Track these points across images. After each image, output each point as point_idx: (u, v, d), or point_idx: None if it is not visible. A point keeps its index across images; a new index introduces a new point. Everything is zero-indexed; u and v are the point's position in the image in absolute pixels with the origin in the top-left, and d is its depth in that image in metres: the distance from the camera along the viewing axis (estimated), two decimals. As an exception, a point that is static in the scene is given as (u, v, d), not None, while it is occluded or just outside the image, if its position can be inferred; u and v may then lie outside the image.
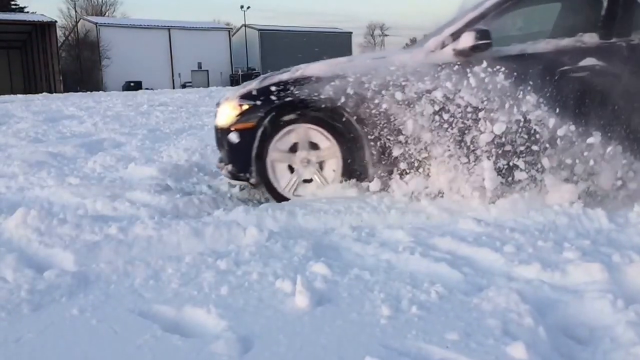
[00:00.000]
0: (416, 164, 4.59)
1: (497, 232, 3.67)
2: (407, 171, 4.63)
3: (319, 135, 4.88)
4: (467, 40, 4.50)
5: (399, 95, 4.52)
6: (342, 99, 4.64)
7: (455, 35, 4.62)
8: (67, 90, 46.95)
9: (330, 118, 4.77)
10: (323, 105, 4.71)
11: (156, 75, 64.85)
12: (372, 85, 4.60)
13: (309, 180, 4.98)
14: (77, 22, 66.77)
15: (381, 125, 4.62)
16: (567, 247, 3.33)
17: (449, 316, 2.51)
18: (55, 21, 55.56)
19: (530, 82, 4.28)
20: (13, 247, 3.60)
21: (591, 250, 3.32)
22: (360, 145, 4.75)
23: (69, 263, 3.37)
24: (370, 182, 4.71)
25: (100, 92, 41.86)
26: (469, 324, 2.43)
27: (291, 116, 4.85)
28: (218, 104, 5.39)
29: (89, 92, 39.26)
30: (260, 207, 4.48)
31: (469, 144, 4.37)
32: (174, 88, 58.43)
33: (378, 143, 4.68)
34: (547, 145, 4.23)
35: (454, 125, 4.41)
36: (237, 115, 4.97)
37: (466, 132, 4.39)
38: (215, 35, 73.50)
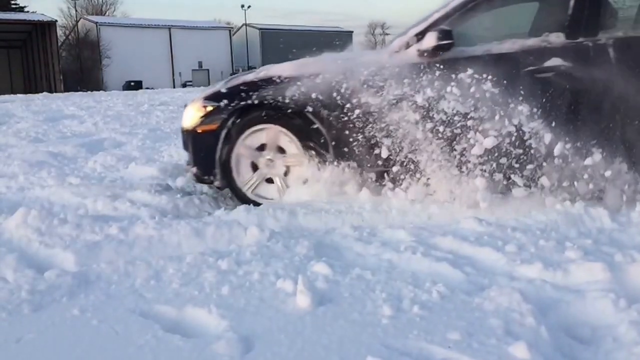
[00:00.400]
0: (382, 169, 4.55)
1: (499, 231, 3.66)
2: (373, 175, 4.60)
3: (283, 137, 4.80)
4: (430, 40, 4.44)
5: (361, 97, 4.48)
6: (305, 101, 4.60)
7: (420, 36, 4.56)
8: (67, 89, 46.94)
9: (293, 120, 4.70)
10: (286, 107, 4.66)
11: (157, 75, 64.84)
12: (335, 87, 4.55)
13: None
14: (77, 22, 66.78)
15: (345, 128, 4.56)
16: (569, 247, 3.32)
17: (451, 316, 2.51)
18: (56, 20, 55.57)
19: (494, 83, 4.23)
20: (13, 247, 3.59)
21: (593, 249, 3.31)
22: (326, 148, 4.69)
23: (70, 263, 3.37)
24: (337, 187, 4.63)
25: (101, 91, 41.90)
26: (471, 323, 2.43)
27: (255, 118, 4.78)
28: (186, 106, 5.33)
29: (89, 92, 39.27)
30: (262, 206, 4.47)
31: (435, 148, 4.33)
32: (174, 87, 58.36)
33: (343, 147, 4.61)
34: (511, 148, 4.20)
35: (416, 128, 4.37)
36: (201, 117, 4.92)
37: (429, 135, 4.34)
38: (216, 35, 73.50)
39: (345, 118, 4.54)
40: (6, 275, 3.10)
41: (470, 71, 4.27)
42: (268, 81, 4.78)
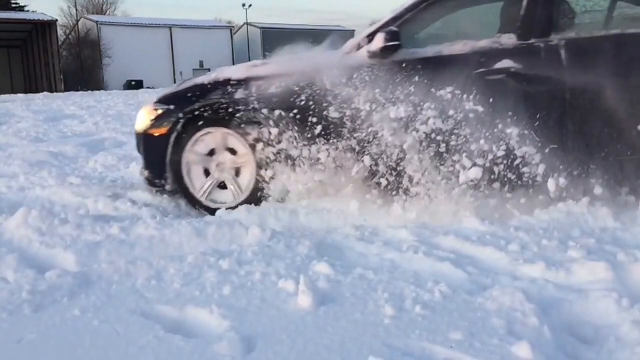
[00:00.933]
0: (331, 173, 4.47)
1: (501, 230, 3.66)
2: (318, 180, 4.51)
3: (234, 140, 4.71)
4: (378, 42, 4.37)
5: (310, 100, 4.42)
6: (255, 103, 4.53)
7: (371, 37, 4.49)
8: (67, 89, 46.91)
9: (243, 123, 4.60)
10: (235, 109, 4.59)
11: (157, 74, 64.75)
12: (284, 89, 4.49)
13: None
14: (77, 21, 66.75)
15: (293, 131, 4.48)
16: (571, 246, 3.31)
17: (453, 316, 2.51)
18: (56, 20, 55.51)
19: (444, 85, 4.17)
20: (14, 247, 3.58)
21: (596, 248, 3.30)
22: (276, 152, 4.57)
23: (71, 263, 3.36)
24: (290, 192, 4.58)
25: (101, 91, 41.89)
26: (473, 323, 2.42)
27: (204, 121, 4.69)
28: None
29: (89, 91, 39.25)
30: (263, 206, 4.46)
31: (383, 153, 4.26)
32: (175, 87, 58.15)
33: (293, 151, 4.51)
34: (460, 151, 4.11)
35: (364, 132, 4.31)
36: (152, 120, 4.85)
37: (377, 140, 4.27)
38: (217, 34, 73.44)
39: (294, 121, 4.46)
40: (7, 275, 3.09)
41: (419, 73, 4.22)
42: (218, 84, 4.72)
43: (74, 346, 2.36)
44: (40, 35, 54.94)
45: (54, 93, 38.07)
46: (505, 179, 4.08)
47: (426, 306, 2.58)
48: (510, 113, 4.08)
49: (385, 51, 4.38)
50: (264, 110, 4.50)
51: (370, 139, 4.28)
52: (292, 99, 4.46)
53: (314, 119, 4.42)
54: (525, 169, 4.04)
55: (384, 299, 2.67)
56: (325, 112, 4.39)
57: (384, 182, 4.26)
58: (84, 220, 4.00)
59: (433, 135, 4.13)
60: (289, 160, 4.52)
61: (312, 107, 4.42)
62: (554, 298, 2.73)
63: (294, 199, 4.53)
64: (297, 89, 4.46)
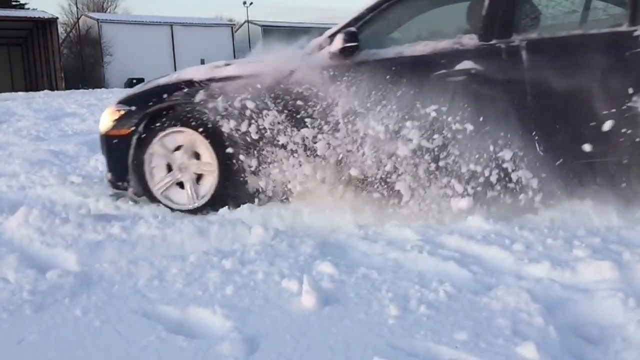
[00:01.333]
0: (293, 177, 4.41)
1: (506, 230, 3.64)
2: (283, 185, 4.46)
3: (195, 142, 4.63)
4: (337, 43, 4.33)
5: (269, 102, 4.37)
6: (213, 104, 4.47)
7: (332, 38, 4.43)
8: (68, 87, 46.89)
9: (203, 125, 4.53)
10: (196, 111, 4.53)
11: (159, 72, 63.74)
12: (245, 90, 4.43)
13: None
14: (78, 19, 66.71)
15: (255, 135, 4.40)
16: (577, 245, 3.29)
17: (458, 316, 2.49)
18: (57, 17, 55.46)
19: (402, 87, 4.12)
20: (15, 247, 3.57)
21: (601, 248, 3.28)
22: (237, 157, 4.50)
23: (72, 263, 3.35)
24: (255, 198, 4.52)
25: (102, 89, 41.85)
26: (479, 323, 2.41)
27: (165, 122, 4.63)
28: None
29: (91, 90, 39.24)
30: (266, 205, 4.44)
31: (341, 156, 4.22)
32: (176, 85, 58.15)
33: (253, 157, 4.46)
34: (419, 153, 4.05)
35: (322, 134, 4.26)
36: (114, 121, 4.82)
37: (336, 142, 4.23)
38: (218, 32, 73.41)
39: (255, 124, 4.39)
40: (7, 275, 3.08)
41: (379, 74, 4.17)
42: (179, 85, 4.66)
43: (75, 347, 2.35)
44: (41, 33, 54.91)
45: (55, 91, 37.99)
46: (467, 181, 4.00)
47: (431, 306, 2.57)
48: (470, 115, 4.01)
49: (344, 52, 4.32)
50: (225, 112, 4.45)
51: (330, 142, 4.23)
52: (251, 101, 4.39)
53: (273, 121, 4.35)
54: (485, 172, 3.96)
55: (388, 299, 2.65)
56: (284, 115, 4.34)
57: (341, 187, 4.25)
58: (85, 220, 3.98)
59: (388, 137, 4.07)
60: (249, 164, 4.47)
61: (271, 109, 4.35)
62: (559, 298, 2.72)
63: (294, 199, 4.48)
64: (256, 90, 4.40)
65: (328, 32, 4.54)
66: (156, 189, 4.71)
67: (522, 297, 2.60)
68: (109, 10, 77.07)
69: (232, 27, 76.38)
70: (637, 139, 3.89)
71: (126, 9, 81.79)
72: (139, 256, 3.41)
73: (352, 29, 4.37)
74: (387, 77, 4.18)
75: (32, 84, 54.06)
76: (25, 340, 2.41)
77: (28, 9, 63.06)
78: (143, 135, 4.67)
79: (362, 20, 4.48)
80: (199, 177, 4.69)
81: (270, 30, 75.28)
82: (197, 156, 4.67)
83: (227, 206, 4.48)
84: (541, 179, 3.95)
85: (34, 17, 54.44)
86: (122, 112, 4.79)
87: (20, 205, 4.26)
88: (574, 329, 2.49)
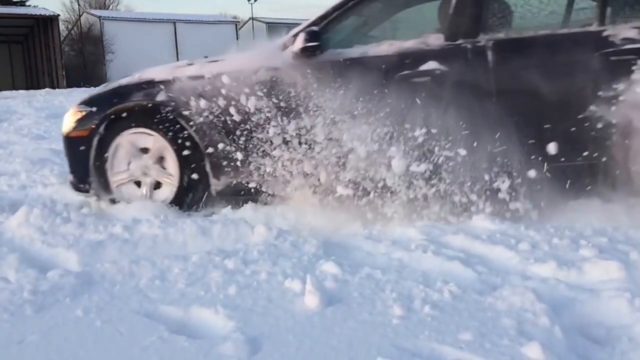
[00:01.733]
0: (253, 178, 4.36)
1: (512, 229, 3.61)
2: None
3: (154, 142, 4.55)
4: (298, 42, 4.25)
5: (229, 103, 4.28)
6: (175, 105, 4.42)
7: (296, 37, 4.33)
8: (70, 85, 46.91)
9: (163, 125, 4.47)
10: (157, 111, 4.46)
11: (161, 70, 64.76)
12: (204, 91, 4.37)
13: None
14: (80, 16, 66.78)
15: (214, 137, 4.36)
16: (583, 245, 3.27)
17: (463, 316, 2.48)
18: (58, 15, 55.47)
19: (366, 88, 4.00)
20: (15, 246, 3.56)
21: (608, 247, 3.26)
22: (200, 159, 4.45)
23: (73, 263, 3.34)
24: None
25: (104, 87, 41.85)
26: (484, 323, 2.40)
27: (126, 123, 4.57)
28: None
29: (92, 88, 39.26)
30: (269, 204, 4.41)
31: (298, 161, 4.16)
32: (179, 83, 58.25)
33: (217, 157, 4.40)
34: (377, 156, 3.95)
35: (282, 135, 4.19)
36: (76, 122, 4.72)
37: (291, 147, 4.17)
38: (222, 29, 73.37)
39: (213, 124, 4.36)
40: (8, 275, 3.08)
41: (342, 74, 4.08)
42: (141, 85, 4.61)
43: (77, 347, 2.34)
44: (42, 30, 54.92)
45: (56, 89, 38.09)
46: (428, 183, 3.92)
47: (435, 306, 2.56)
48: (434, 118, 3.90)
49: (305, 52, 4.24)
50: (185, 113, 4.40)
51: (291, 142, 4.17)
52: (212, 102, 4.34)
53: (234, 122, 4.30)
54: (448, 174, 3.88)
55: (393, 299, 2.64)
56: (244, 115, 4.27)
57: (298, 186, 4.20)
58: (86, 219, 3.98)
59: (347, 137, 4.00)
60: (208, 165, 4.43)
61: (232, 110, 4.28)
62: (565, 298, 2.70)
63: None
64: (217, 91, 4.33)
65: (293, 31, 4.44)
66: (113, 181, 4.66)
67: (528, 297, 2.58)
68: (111, 7, 77.12)
69: (236, 24, 76.32)
70: (607, 142, 3.80)
71: (128, 6, 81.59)
72: (141, 256, 3.41)
73: (314, 28, 4.29)
74: (350, 77, 4.07)
75: (33, 82, 54.02)
76: (26, 341, 2.40)
77: (29, 6, 62.93)
78: (104, 137, 4.60)
79: (328, 19, 4.39)
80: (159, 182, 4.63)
81: (275, 27, 75.29)
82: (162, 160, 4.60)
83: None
84: (506, 180, 3.85)
85: (35, 15, 54.43)
86: (84, 113, 4.70)
87: (21, 205, 4.26)
88: (579, 329, 2.47)
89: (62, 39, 57.55)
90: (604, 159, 3.81)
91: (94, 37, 61.63)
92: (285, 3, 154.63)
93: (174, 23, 69.74)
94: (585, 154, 3.84)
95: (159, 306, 2.72)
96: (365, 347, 2.25)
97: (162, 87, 4.50)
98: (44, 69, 55.28)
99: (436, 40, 4.17)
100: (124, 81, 4.83)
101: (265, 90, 4.24)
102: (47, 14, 53.77)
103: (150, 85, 4.57)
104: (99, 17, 64.29)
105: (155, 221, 3.82)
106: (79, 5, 69.50)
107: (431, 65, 4.07)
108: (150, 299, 2.79)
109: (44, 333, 2.46)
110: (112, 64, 61.28)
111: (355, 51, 4.29)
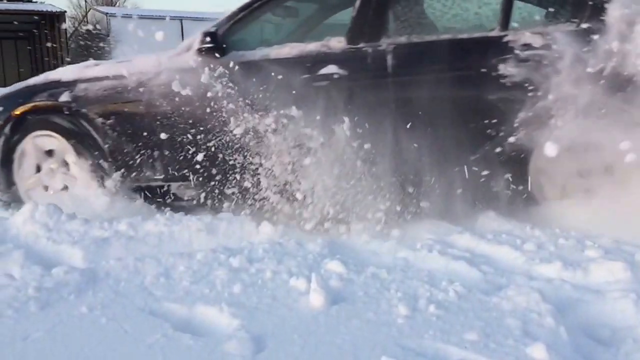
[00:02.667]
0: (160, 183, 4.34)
1: (518, 229, 3.62)
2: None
3: (59, 145, 4.50)
4: (196, 43, 4.22)
5: (132, 105, 4.28)
6: (78, 106, 4.37)
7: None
8: (76, 81, 47.08)
9: (67, 126, 4.44)
10: (60, 113, 4.42)
11: (167, 67, 64.77)
12: (107, 92, 4.33)
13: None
14: (86, 12, 66.81)
15: (120, 138, 4.33)
16: (589, 245, 3.27)
17: (468, 316, 2.47)
18: (65, 11, 55.53)
19: (263, 93, 3.96)
20: (20, 243, 3.55)
21: (614, 248, 3.26)
22: (103, 159, 4.41)
23: (78, 260, 3.34)
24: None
25: (110, 83, 41.93)
26: (489, 323, 2.39)
27: (31, 124, 4.51)
28: None
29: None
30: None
31: (204, 165, 4.15)
32: (186, 80, 58.24)
33: (120, 158, 4.37)
34: (277, 162, 3.92)
35: (182, 138, 4.18)
36: None
37: (193, 151, 4.15)
38: (228, 26, 73.53)
39: (118, 128, 4.32)
40: (13, 272, 3.06)
41: (243, 77, 4.02)
42: (47, 85, 4.57)
43: (81, 344, 2.33)
44: (49, 27, 55.03)
45: (63, 85, 38.16)
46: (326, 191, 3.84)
47: (440, 306, 2.55)
48: (331, 125, 3.81)
49: (201, 53, 4.19)
50: (88, 115, 4.36)
51: (190, 147, 4.16)
52: (114, 103, 4.31)
53: (135, 126, 4.28)
54: (344, 181, 3.80)
55: (398, 299, 2.63)
56: (147, 118, 4.25)
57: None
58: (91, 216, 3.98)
59: (242, 144, 3.97)
60: (110, 165, 4.39)
61: (134, 112, 4.27)
62: (570, 298, 2.70)
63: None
64: (120, 92, 4.30)
65: (201, 31, 4.37)
66: (22, 185, 4.61)
67: (533, 297, 2.58)
68: (118, 4, 77.03)
69: (241, 21, 76.37)
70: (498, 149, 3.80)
71: (135, 4, 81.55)
72: (146, 253, 3.40)
73: (212, 29, 4.23)
74: (250, 80, 4.02)
75: (39, 79, 54.11)
76: (31, 337, 2.39)
77: (36, 2, 63.00)
78: (10, 138, 4.55)
79: (233, 20, 4.33)
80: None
81: (279, 25, 75.26)
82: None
83: None
84: (391, 186, 3.80)
85: (42, 11, 54.46)
86: None
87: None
88: (584, 330, 2.47)
89: (68, 35, 57.61)
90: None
91: (101, 34, 61.63)
92: None
93: (181, 20, 69.73)
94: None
95: (163, 304, 2.71)
96: (370, 346, 2.24)
97: (66, 87, 4.45)
98: (50, 64, 55.24)
99: (337, 43, 4.10)
100: (31, 81, 4.78)
101: (165, 92, 4.19)
102: (54, 11, 53.71)
103: (55, 85, 4.51)
104: (106, 13, 64.21)
105: (160, 218, 3.81)
106: (85, 1, 69.40)
107: (331, 69, 4.02)
108: (155, 297, 2.78)
109: (48, 330, 2.45)
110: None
111: (257, 53, 4.23)
